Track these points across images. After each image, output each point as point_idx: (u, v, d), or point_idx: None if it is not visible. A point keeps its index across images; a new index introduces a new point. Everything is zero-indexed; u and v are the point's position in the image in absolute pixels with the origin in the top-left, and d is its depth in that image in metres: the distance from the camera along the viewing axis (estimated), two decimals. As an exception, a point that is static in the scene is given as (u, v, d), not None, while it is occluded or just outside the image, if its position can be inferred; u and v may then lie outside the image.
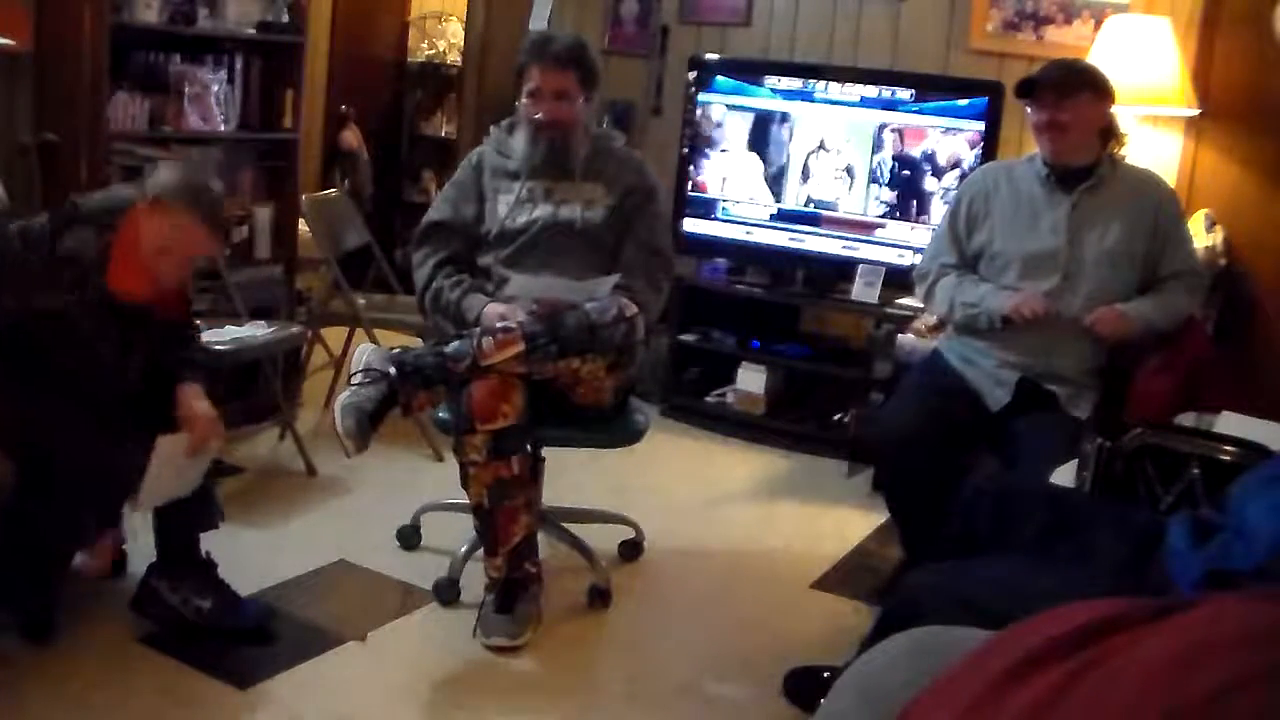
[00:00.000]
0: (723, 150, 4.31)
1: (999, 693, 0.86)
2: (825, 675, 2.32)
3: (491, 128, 3.02)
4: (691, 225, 4.37)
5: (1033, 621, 0.95)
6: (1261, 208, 3.75)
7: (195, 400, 2.48)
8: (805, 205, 4.22)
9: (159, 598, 2.52)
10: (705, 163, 4.34)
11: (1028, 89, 2.73)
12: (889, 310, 3.99)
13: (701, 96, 4.33)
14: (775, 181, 4.25)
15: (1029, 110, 2.77)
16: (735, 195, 4.31)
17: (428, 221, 2.98)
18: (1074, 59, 2.95)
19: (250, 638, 2.51)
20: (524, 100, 2.86)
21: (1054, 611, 0.94)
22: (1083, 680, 0.83)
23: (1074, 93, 2.70)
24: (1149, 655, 0.81)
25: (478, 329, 2.61)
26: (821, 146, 4.18)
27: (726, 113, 4.29)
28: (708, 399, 4.39)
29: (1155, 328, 2.74)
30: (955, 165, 3.97)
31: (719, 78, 4.31)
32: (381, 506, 3.30)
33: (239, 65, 3.78)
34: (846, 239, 4.17)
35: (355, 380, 2.59)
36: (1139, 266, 2.77)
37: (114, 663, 2.38)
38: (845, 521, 3.56)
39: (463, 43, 5.75)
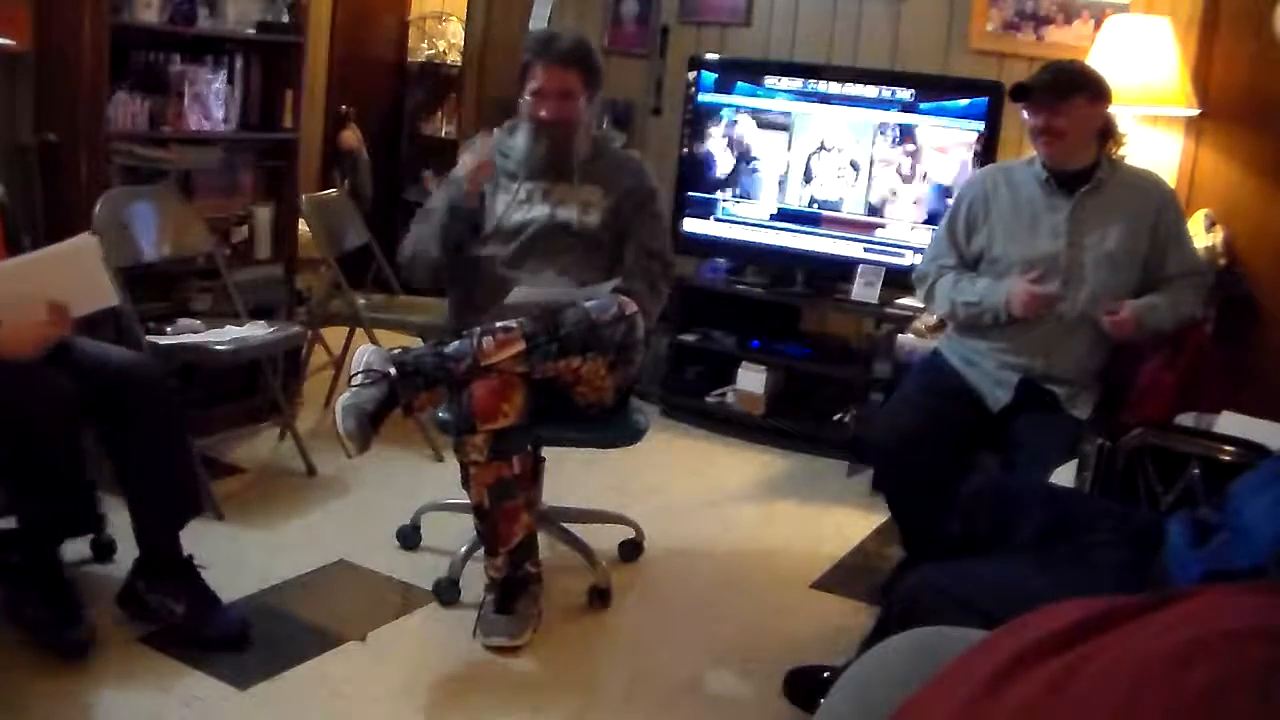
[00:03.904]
0: (724, 150, 4.32)
1: (994, 689, 0.86)
2: (825, 675, 2.32)
3: (494, 130, 3.02)
4: (691, 225, 4.38)
5: (1026, 618, 0.95)
6: (1261, 208, 3.75)
7: None
8: (808, 205, 4.22)
9: (138, 596, 2.52)
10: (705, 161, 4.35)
11: (1022, 93, 2.72)
12: (889, 310, 3.98)
13: (702, 97, 4.33)
14: (776, 181, 4.25)
15: (1025, 114, 2.76)
16: (735, 195, 4.32)
17: (424, 208, 2.98)
18: (1069, 61, 2.93)
19: (226, 645, 2.46)
20: (526, 98, 2.87)
21: (1047, 608, 0.95)
22: (1078, 675, 0.83)
23: (1070, 96, 2.68)
24: (1145, 651, 0.81)
25: (477, 329, 2.61)
26: (822, 147, 4.18)
27: (728, 113, 4.30)
28: (708, 399, 4.39)
29: (1164, 329, 2.74)
30: (955, 166, 3.97)
31: (720, 77, 4.32)
32: (381, 506, 3.30)
33: (239, 65, 3.77)
34: (846, 239, 4.17)
35: (355, 381, 2.59)
36: (1140, 268, 2.76)
37: (114, 663, 2.37)
38: (845, 521, 3.56)
39: (463, 43, 5.75)
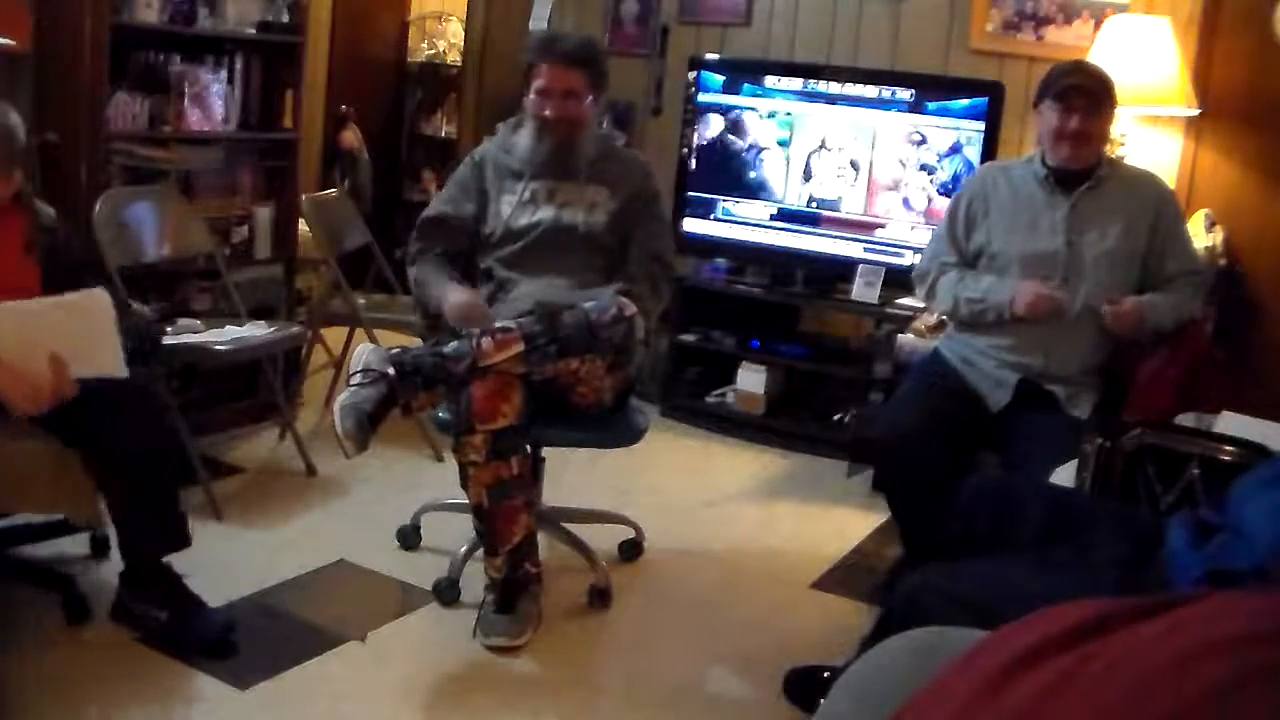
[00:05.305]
0: (724, 150, 4.32)
1: (994, 690, 0.86)
2: (825, 675, 2.32)
3: (499, 126, 3.02)
4: (691, 225, 4.37)
5: (1028, 619, 0.95)
6: (1261, 208, 3.75)
7: None
8: (807, 205, 4.22)
9: (124, 607, 2.51)
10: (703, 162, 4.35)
11: (1064, 94, 2.69)
12: (889, 310, 3.98)
13: (701, 97, 4.33)
14: (776, 181, 4.25)
15: (1050, 114, 2.73)
16: (735, 195, 4.32)
17: (425, 217, 2.98)
18: (1096, 65, 2.91)
19: (210, 650, 2.44)
20: (531, 97, 2.86)
21: (1050, 610, 0.94)
22: (1080, 677, 0.83)
23: (1105, 103, 2.70)
24: (1148, 654, 0.81)
25: (477, 330, 2.61)
26: (823, 146, 4.18)
27: (727, 113, 4.30)
28: (708, 399, 4.39)
29: (1164, 327, 2.74)
30: (955, 166, 3.97)
31: (728, 79, 4.32)
32: (381, 506, 3.30)
33: (239, 65, 3.77)
34: (846, 239, 4.17)
35: (355, 380, 2.59)
36: (1139, 266, 2.77)
37: (114, 663, 2.38)
38: (845, 521, 3.56)
39: (463, 43, 5.75)
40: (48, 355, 2.21)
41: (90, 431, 2.38)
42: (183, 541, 2.52)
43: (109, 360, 2.32)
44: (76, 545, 2.80)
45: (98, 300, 2.35)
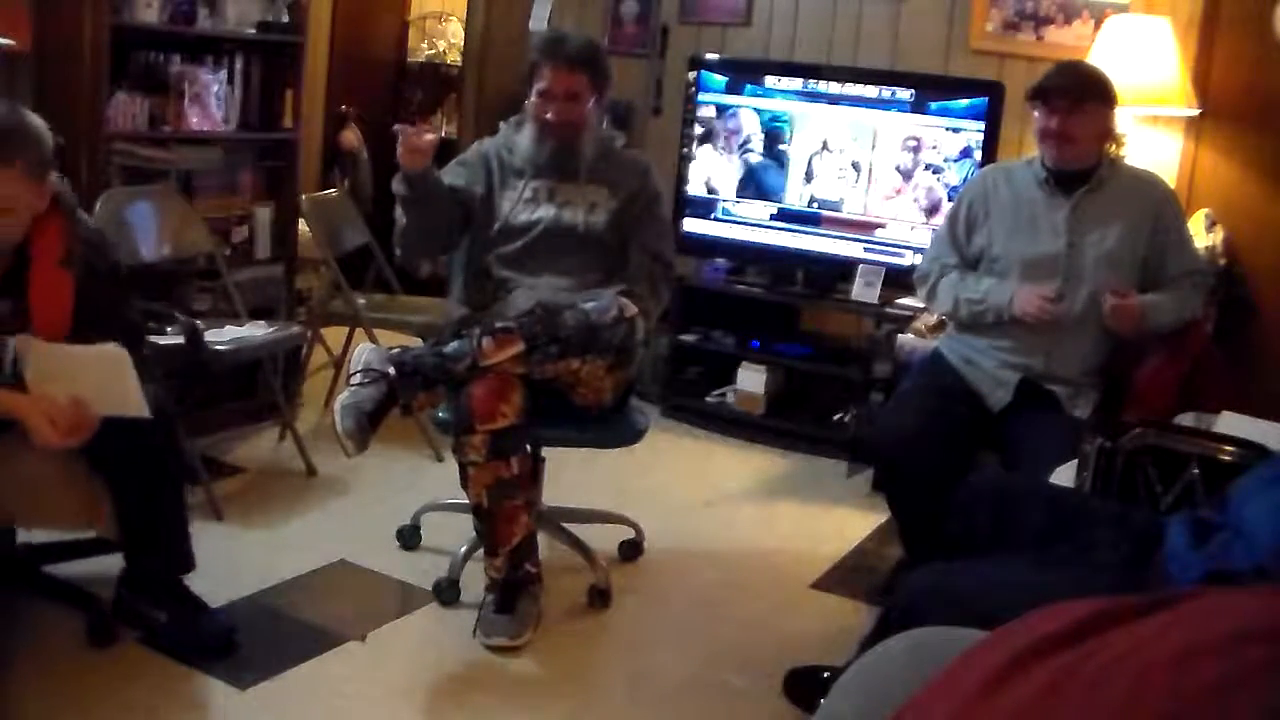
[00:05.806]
0: (723, 149, 4.32)
1: (994, 689, 0.86)
2: (825, 675, 2.32)
3: (501, 124, 3.01)
4: (691, 225, 4.37)
5: (1027, 618, 0.95)
6: (1261, 208, 3.75)
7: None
8: (808, 205, 4.22)
9: (125, 606, 2.50)
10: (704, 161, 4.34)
11: (1040, 95, 2.72)
12: (889, 310, 3.98)
13: (702, 97, 4.33)
14: (775, 182, 4.25)
15: (1037, 114, 2.75)
16: (734, 195, 4.31)
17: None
18: (1081, 63, 2.93)
19: (211, 651, 2.43)
20: (533, 99, 2.86)
21: (1048, 608, 0.94)
22: (1078, 676, 0.83)
23: (1086, 102, 2.70)
24: (1145, 651, 0.81)
25: (477, 329, 2.61)
26: (825, 147, 4.17)
27: (726, 112, 4.30)
28: (708, 399, 4.39)
29: (1165, 327, 2.74)
30: (955, 166, 3.96)
31: (731, 80, 4.31)
32: (381, 506, 3.30)
33: (239, 65, 3.77)
34: (847, 239, 4.17)
35: (355, 380, 2.59)
36: (1140, 267, 2.77)
37: (114, 663, 2.38)
38: (845, 521, 3.56)
39: (463, 43, 5.75)
40: (69, 397, 2.24)
41: (103, 447, 2.34)
42: (187, 565, 2.51)
43: (132, 403, 2.35)
44: (97, 565, 2.74)
45: (115, 355, 2.36)
